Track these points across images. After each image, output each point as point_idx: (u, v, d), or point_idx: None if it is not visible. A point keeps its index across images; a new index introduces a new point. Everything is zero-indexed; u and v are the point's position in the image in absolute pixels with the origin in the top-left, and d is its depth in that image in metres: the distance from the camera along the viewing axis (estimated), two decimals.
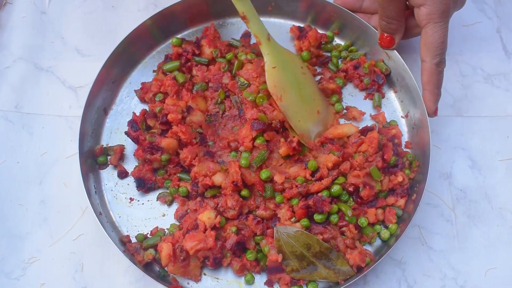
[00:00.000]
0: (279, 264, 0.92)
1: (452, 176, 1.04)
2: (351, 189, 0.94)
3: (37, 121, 1.06)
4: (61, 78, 1.09)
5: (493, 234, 1.00)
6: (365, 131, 1.00)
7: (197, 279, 0.94)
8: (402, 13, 0.95)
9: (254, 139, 0.95)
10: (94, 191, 0.99)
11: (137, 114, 1.00)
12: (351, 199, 0.96)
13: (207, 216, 0.93)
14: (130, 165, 1.02)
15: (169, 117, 0.97)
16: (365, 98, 1.08)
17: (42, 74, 1.09)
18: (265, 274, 0.95)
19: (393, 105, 1.07)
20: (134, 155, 1.00)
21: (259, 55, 1.06)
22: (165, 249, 0.90)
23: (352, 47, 1.09)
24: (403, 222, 0.96)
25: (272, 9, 1.10)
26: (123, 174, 1.01)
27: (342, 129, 1.01)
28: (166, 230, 0.97)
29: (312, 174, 0.95)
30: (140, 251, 0.94)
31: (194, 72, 1.05)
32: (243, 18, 0.94)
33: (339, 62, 1.09)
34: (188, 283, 0.95)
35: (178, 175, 0.99)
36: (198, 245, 0.89)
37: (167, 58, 1.07)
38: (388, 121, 1.05)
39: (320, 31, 1.09)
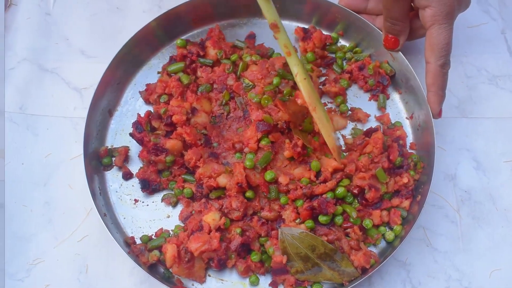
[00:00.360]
0: (284, 265, 0.92)
1: (457, 177, 1.04)
2: (355, 191, 0.94)
3: (42, 123, 1.06)
4: (66, 80, 1.09)
5: (497, 236, 1.00)
6: (369, 133, 1.00)
7: (202, 281, 0.94)
8: (406, 14, 0.95)
9: (259, 141, 0.95)
10: (98, 192, 0.99)
11: (142, 115, 1.00)
12: (356, 201, 0.96)
13: (211, 218, 0.92)
14: (135, 166, 1.02)
15: (173, 118, 0.97)
16: (369, 100, 1.08)
17: (46, 76, 1.09)
18: (269, 276, 0.95)
19: (398, 107, 1.07)
20: (138, 156, 1.00)
21: (264, 56, 1.06)
22: (170, 250, 0.91)
23: (357, 49, 1.09)
24: (407, 223, 0.95)
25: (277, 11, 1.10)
26: (127, 176, 1.01)
27: None
28: (170, 232, 0.97)
29: (317, 176, 0.95)
30: (145, 252, 0.94)
31: (198, 73, 1.05)
32: (274, 27, 0.89)
33: (344, 64, 1.09)
34: (193, 285, 0.95)
35: (183, 176, 0.99)
36: (202, 246, 0.89)
37: (172, 60, 1.07)
38: (393, 122, 1.05)
39: (325, 33, 1.09)
